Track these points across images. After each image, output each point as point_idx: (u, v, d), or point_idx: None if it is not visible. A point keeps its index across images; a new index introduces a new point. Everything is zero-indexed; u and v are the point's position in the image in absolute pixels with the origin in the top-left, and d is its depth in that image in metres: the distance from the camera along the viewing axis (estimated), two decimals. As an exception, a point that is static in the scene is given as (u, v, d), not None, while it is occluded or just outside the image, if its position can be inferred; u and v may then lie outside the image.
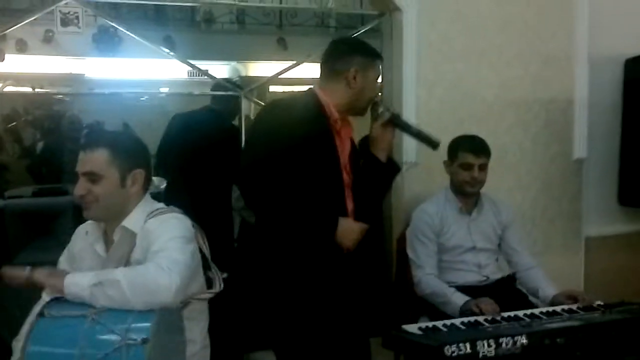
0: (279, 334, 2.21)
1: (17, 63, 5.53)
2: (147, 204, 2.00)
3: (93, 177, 1.88)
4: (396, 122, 2.20)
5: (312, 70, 2.62)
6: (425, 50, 2.93)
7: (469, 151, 2.60)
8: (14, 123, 6.78)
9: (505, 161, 3.05)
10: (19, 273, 1.82)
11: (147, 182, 2.01)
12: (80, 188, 1.89)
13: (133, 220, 1.94)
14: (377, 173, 2.22)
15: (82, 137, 1.98)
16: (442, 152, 2.48)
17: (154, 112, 6.17)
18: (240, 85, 3.69)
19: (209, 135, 3.43)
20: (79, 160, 1.92)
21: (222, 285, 2.01)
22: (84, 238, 2.05)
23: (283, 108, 2.18)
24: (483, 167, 2.59)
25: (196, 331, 2.00)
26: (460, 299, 2.44)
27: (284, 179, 2.04)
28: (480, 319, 2.26)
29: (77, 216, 2.55)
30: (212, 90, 3.69)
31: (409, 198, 2.88)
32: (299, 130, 2.07)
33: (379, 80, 2.30)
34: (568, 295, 2.47)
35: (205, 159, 3.32)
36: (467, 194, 2.61)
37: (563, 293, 2.49)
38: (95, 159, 1.89)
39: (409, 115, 2.79)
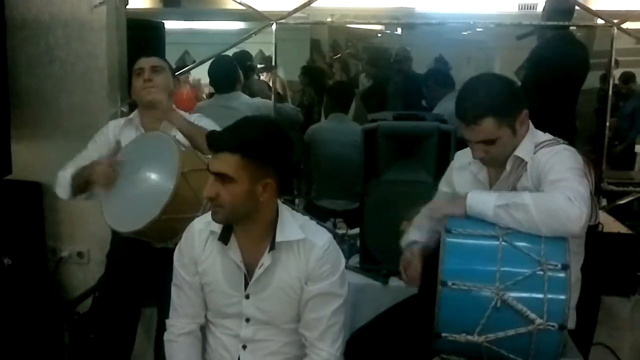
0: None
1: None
2: (534, 135, 2.04)
3: (488, 142, 1.97)
4: None
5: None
6: None
7: None
8: (339, 55, 7.36)
9: None
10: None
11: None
12: (478, 152, 1.98)
13: (524, 150, 2.00)
14: None
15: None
16: None
17: (474, 46, 6.08)
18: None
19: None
20: (466, 131, 1.98)
21: (597, 219, 1.96)
22: (467, 167, 2.16)
23: None
24: None
25: (573, 262, 1.98)
26: None
27: None
28: None
29: (443, 141, 2.66)
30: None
31: None
32: None
33: None
34: None
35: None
36: None
37: None
38: (485, 129, 1.94)
39: None
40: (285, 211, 1.87)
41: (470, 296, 1.70)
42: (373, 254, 2.78)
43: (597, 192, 3.31)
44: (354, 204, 3.59)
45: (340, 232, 3.07)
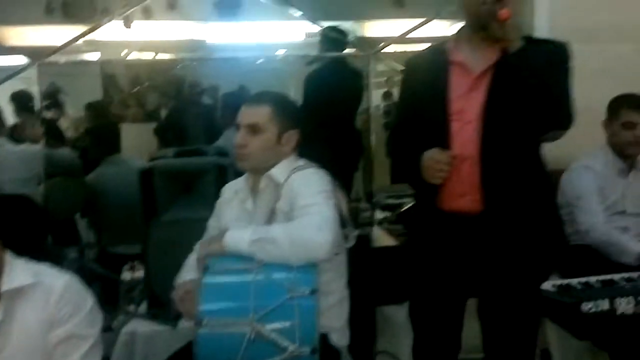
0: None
1: (142, 30, 5.73)
2: (293, 161, 2.09)
3: (254, 129, 1.97)
4: None
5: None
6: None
7: (633, 109, 2.47)
8: (137, 89, 7.14)
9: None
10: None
11: (298, 143, 2.07)
12: (241, 138, 1.99)
13: (278, 172, 2.04)
14: None
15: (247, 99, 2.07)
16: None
17: (270, 75, 6.18)
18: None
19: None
20: (242, 113, 2.02)
21: (354, 241, 2.05)
22: (234, 197, 2.15)
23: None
24: None
25: (334, 284, 2.05)
26: (637, 246, 2.36)
27: None
28: (616, 276, 2.19)
29: (220, 175, 2.64)
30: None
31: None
32: None
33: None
34: None
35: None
36: (628, 156, 2.50)
37: None
38: (259, 113, 1.98)
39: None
40: (11, 260, 1.74)
41: (226, 332, 1.72)
42: (160, 297, 2.66)
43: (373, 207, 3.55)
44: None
45: (125, 278, 2.88)
